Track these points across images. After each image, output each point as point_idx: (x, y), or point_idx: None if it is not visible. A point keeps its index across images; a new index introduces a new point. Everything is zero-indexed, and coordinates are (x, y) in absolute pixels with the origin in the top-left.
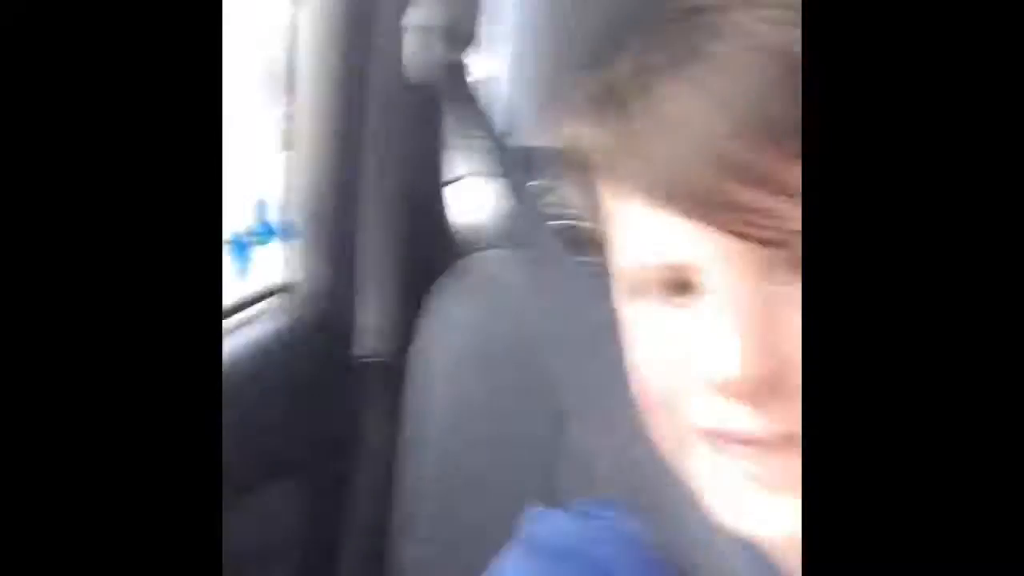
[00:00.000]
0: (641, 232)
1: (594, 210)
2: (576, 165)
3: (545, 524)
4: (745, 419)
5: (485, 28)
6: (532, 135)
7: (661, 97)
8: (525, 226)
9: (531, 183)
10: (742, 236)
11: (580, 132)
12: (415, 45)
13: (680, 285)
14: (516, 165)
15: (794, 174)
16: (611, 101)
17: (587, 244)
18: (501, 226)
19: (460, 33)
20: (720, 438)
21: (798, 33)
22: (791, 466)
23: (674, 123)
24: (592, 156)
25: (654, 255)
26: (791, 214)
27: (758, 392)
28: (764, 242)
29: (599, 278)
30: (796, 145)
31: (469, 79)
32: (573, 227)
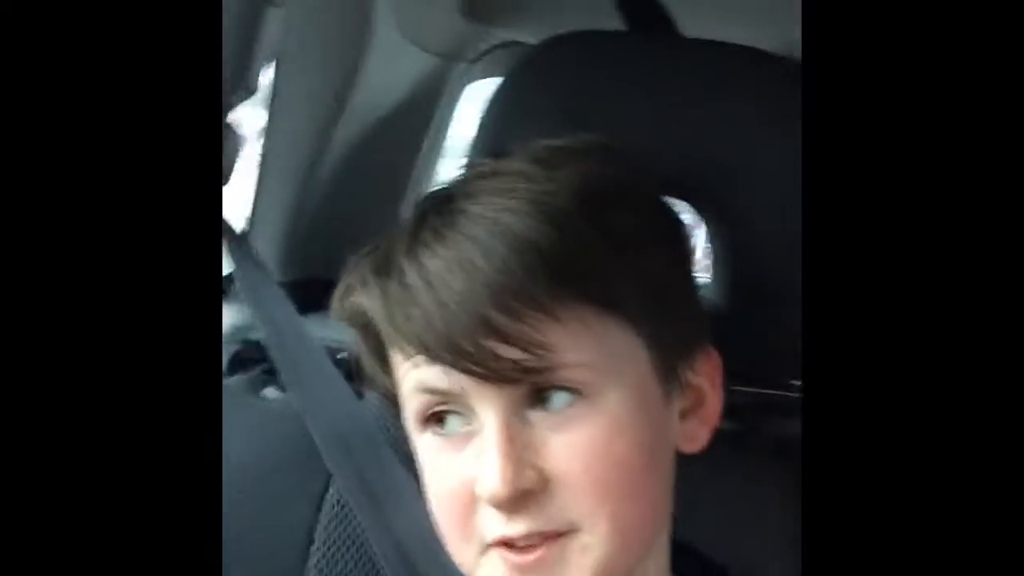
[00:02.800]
0: (413, 377)
1: (382, 361)
2: (361, 328)
3: None
4: (520, 525)
5: None
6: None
7: (428, 267)
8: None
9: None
10: (496, 381)
11: (362, 300)
12: None
13: (447, 417)
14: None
15: (544, 332)
16: (391, 270)
17: (373, 381)
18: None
19: None
20: (502, 546)
21: (530, 219)
22: (563, 556)
23: (437, 287)
24: (374, 318)
25: (426, 398)
26: (540, 363)
27: (524, 501)
28: (514, 382)
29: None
30: (546, 306)
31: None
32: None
